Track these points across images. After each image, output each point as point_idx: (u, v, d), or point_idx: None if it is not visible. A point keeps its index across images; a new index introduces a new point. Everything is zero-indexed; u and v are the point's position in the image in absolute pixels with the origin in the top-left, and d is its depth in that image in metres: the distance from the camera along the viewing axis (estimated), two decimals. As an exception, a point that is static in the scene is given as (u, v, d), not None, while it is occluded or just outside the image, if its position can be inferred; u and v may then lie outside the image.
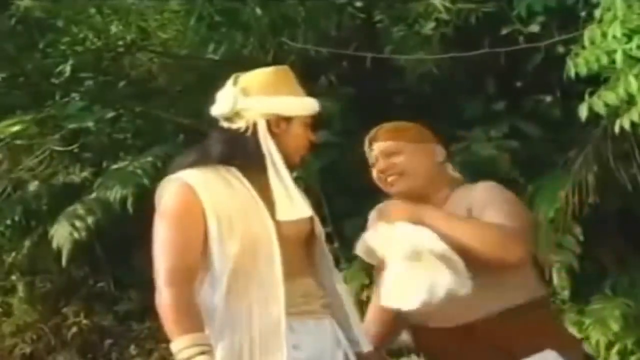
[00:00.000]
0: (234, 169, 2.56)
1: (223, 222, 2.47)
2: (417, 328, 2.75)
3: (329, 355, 2.56)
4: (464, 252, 2.59)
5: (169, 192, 2.53)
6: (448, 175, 2.91)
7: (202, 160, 2.57)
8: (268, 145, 2.55)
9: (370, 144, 2.92)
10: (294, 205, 2.53)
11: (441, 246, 2.57)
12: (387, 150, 2.86)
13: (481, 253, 2.62)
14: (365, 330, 2.75)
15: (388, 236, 2.65)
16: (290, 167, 2.61)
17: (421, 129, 2.93)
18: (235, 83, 2.61)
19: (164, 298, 2.43)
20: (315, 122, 2.70)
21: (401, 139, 2.86)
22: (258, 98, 2.57)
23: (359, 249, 2.75)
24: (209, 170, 2.54)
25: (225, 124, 2.61)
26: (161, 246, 2.49)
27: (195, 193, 2.49)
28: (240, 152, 2.56)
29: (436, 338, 2.68)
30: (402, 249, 2.59)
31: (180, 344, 2.37)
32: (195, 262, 2.48)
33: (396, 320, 2.84)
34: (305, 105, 2.63)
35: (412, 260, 2.57)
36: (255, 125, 2.56)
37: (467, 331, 2.61)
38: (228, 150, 2.56)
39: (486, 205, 2.74)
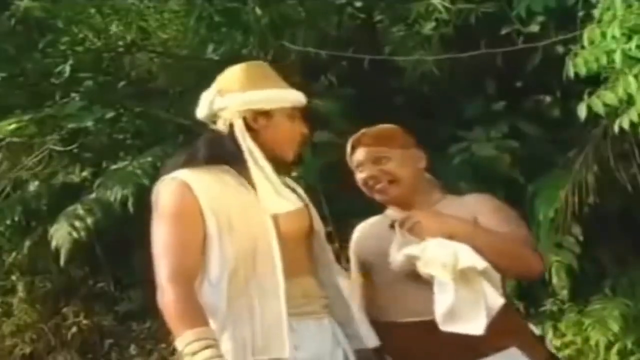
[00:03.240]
0: (228, 168, 2.56)
1: (221, 221, 2.47)
2: (385, 324, 2.75)
3: (329, 355, 2.55)
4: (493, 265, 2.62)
5: (166, 192, 2.52)
6: (429, 179, 2.94)
7: (192, 161, 2.57)
8: (246, 142, 2.53)
9: (354, 148, 2.91)
10: (281, 197, 2.52)
11: (483, 264, 2.57)
12: (374, 156, 2.86)
13: (511, 268, 2.70)
14: None
15: (431, 249, 2.62)
16: (283, 161, 2.59)
17: (405, 134, 2.94)
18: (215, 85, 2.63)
19: (167, 296, 2.41)
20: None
21: (389, 145, 2.86)
22: (232, 96, 2.56)
23: (397, 260, 2.69)
24: (204, 170, 2.54)
25: (212, 126, 2.61)
26: (161, 246, 2.48)
27: (192, 192, 2.48)
28: (222, 153, 2.55)
29: (404, 333, 2.68)
30: (450, 265, 2.56)
31: (185, 339, 2.35)
32: (195, 261, 2.47)
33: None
34: (284, 97, 2.59)
35: (461, 281, 2.56)
36: (232, 124, 2.55)
37: (434, 326, 2.61)
38: (211, 151, 2.55)
39: (497, 217, 2.76)
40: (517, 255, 2.70)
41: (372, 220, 2.99)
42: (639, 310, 4.65)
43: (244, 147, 2.53)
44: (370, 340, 2.65)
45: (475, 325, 2.55)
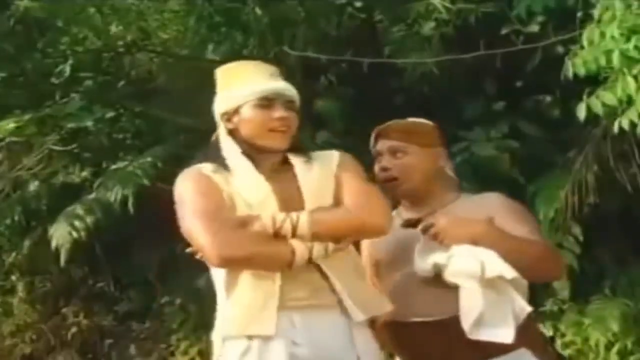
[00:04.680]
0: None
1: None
2: (396, 324, 2.75)
3: (338, 353, 2.53)
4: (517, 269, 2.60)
5: (184, 180, 2.58)
6: (448, 177, 2.91)
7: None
8: (225, 144, 2.61)
9: (377, 139, 2.92)
10: (255, 183, 2.55)
11: (512, 273, 2.57)
12: (392, 148, 2.86)
13: (534, 272, 2.67)
14: None
15: (458, 257, 2.62)
16: (273, 150, 2.61)
17: (430, 131, 2.92)
18: None
19: (232, 243, 2.44)
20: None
21: (408, 140, 2.85)
22: (215, 101, 2.68)
23: (423, 269, 2.68)
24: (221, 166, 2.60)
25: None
26: (195, 218, 2.49)
27: (210, 178, 2.55)
28: (215, 157, 2.62)
29: (415, 333, 2.68)
30: (477, 274, 2.56)
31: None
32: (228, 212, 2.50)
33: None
34: (247, 92, 2.62)
35: (489, 289, 2.56)
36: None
37: (444, 326, 2.62)
38: (208, 157, 2.63)
39: (514, 219, 2.75)
40: (540, 259, 2.69)
41: None
42: (638, 310, 4.65)
43: (222, 146, 2.62)
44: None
45: (504, 332, 2.55)
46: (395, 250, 2.77)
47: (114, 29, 6.22)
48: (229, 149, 2.59)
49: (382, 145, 2.89)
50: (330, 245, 2.52)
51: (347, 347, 2.54)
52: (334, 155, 2.70)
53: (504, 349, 2.61)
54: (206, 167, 2.58)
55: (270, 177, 2.57)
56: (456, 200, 2.86)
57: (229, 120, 2.62)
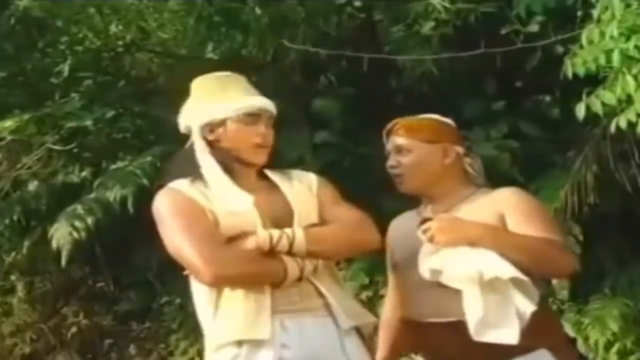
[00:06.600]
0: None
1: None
2: (415, 323, 2.76)
3: (328, 356, 2.53)
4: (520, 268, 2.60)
5: (164, 200, 2.58)
6: (462, 174, 2.89)
7: (177, 176, 2.65)
8: (203, 157, 2.61)
9: (387, 136, 2.92)
10: (236, 195, 2.55)
11: (510, 271, 2.56)
12: (398, 146, 2.86)
13: (539, 270, 2.67)
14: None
15: (453, 262, 2.61)
16: (252, 165, 2.63)
17: (435, 127, 2.91)
18: None
19: (214, 269, 2.42)
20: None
21: (413, 138, 2.85)
22: (190, 113, 2.69)
23: (424, 274, 2.69)
24: (198, 181, 2.60)
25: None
26: (183, 239, 2.48)
27: (189, 196, 2.55)
28: (191, 168, 2.62)
29: (432, 333, 2.69)
30: (474, 277, 2.56)
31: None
32: (212, 225, 2.49)
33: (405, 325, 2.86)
34: (236, 106, 2.63)
35: (489, 289, 2.55)
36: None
37: (459, 328, 2.61)
38: (181, 169, 2.64)
39: (523, 215, 2.73)
40: (544, 258, 2.67)
41: (406, 215, 2.98)
42: (638, 310, 4.65)
43: (198, 155, 2.62)
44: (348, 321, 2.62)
45: (508, 333, 2.54)
46: (411, 250, 2.76)
47: (113, 28, 6.22)
48: (208, 161, 2.61)
49: (390, 143, 2.90)
50: (321, 263, 2.54)
51: (337, 351, 2.55)
52: (311, 177, 2.72)
53: (522, 349, 2.60)
54: (183, 185, 2.58)
55: (250, 188, 2.58)
56: (471, 196, 2.84)
57: (211, 131, 2.63)
